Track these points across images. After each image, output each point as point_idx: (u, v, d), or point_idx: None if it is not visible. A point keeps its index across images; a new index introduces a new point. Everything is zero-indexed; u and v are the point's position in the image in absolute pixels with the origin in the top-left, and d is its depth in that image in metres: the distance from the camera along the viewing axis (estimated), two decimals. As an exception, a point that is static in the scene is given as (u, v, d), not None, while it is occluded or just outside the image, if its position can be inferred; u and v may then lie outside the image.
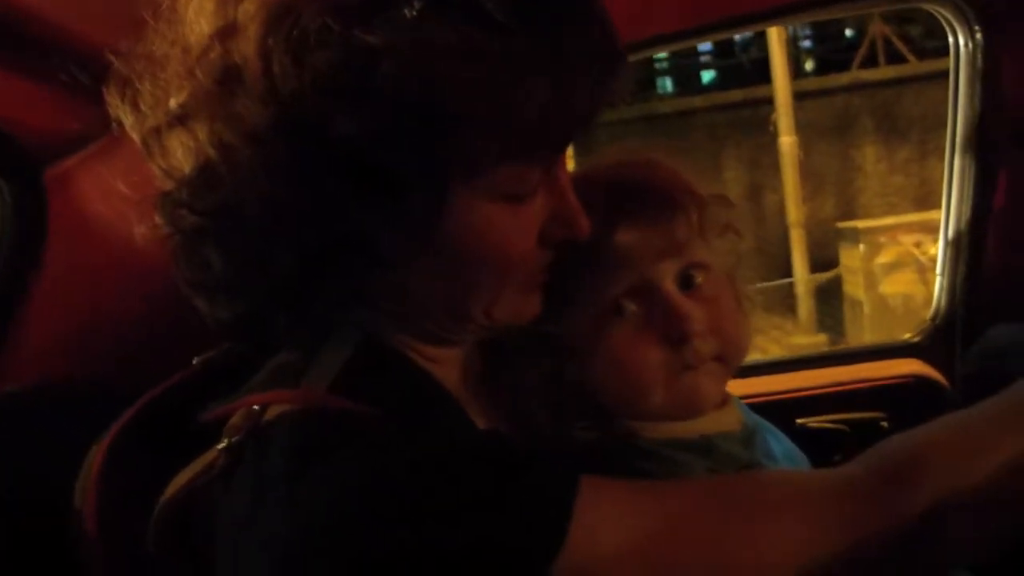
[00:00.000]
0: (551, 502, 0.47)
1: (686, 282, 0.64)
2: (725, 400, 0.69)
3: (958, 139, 1.12)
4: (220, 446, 0.53)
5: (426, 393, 0.58)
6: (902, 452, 0.56)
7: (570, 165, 0.64)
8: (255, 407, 0.54)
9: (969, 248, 1.12)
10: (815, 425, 1.12)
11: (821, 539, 0.51)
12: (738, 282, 0.69)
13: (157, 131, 0.55)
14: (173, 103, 0.53)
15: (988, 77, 1.06)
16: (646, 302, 0.62)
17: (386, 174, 0.50)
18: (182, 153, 0.53)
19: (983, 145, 1.08)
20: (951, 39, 1.11)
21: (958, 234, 1.14)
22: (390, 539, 0.44)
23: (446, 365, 0.62)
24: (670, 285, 0.63)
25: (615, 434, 0.64)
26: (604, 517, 0.48)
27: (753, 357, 1.31)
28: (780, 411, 1.13)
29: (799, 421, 1.12)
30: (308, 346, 0.58)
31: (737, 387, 1.17)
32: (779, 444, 0.72)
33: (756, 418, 0.73)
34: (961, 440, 0.57)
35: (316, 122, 0.48)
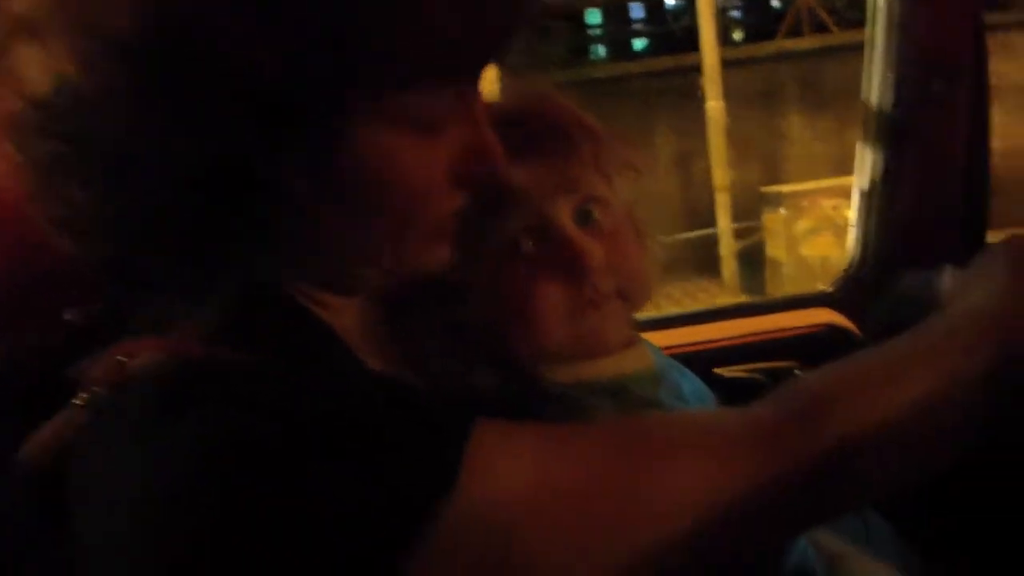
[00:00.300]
0: (441, 443, 0.43)
1: (583, 217, 0.61)
2: (634, 340, 0.68)
3: (874, 89, 1.13)
4: (78, 401, 0.48)
5: (318, 342, 0.54)
6: (809, 391, 0.55)
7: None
8: (121, 358, 0.48)
9: (882, 197, 1.14)
10: (731, 375, 1.13)
11: (730, 481, 0.49)
12: (639, 221, 0.68)
13: (1, 43, 0.48)
14: (19, 6, 0.46)
15: (904, 27, 1.06)
16: (543, 239, 0.60)
17: (275, 95, 0.44)
18: (35, 69, 0.46)
19: (898, 93, 1.09)
20: (869, -13, 1.11)
21: (872, 184, 1.16)
22: (255, 493, 0.40)
23: (344, 313, 0.58)
24: (567, 220, 0.60)
25: (520, 379, 0.61)
26: (501, 459, 0.45)
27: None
28: (698, 362, 1.13)
29: (716, 371, 1.13)
30: (189, 293, 0.52)
31: (655, 339, 1.17)
32: (689, 383, 0.71)
33: (665, 358, 0.72)
34: (868, 379, 0.56)
35: (191, 32, 0.42)
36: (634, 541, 0.47)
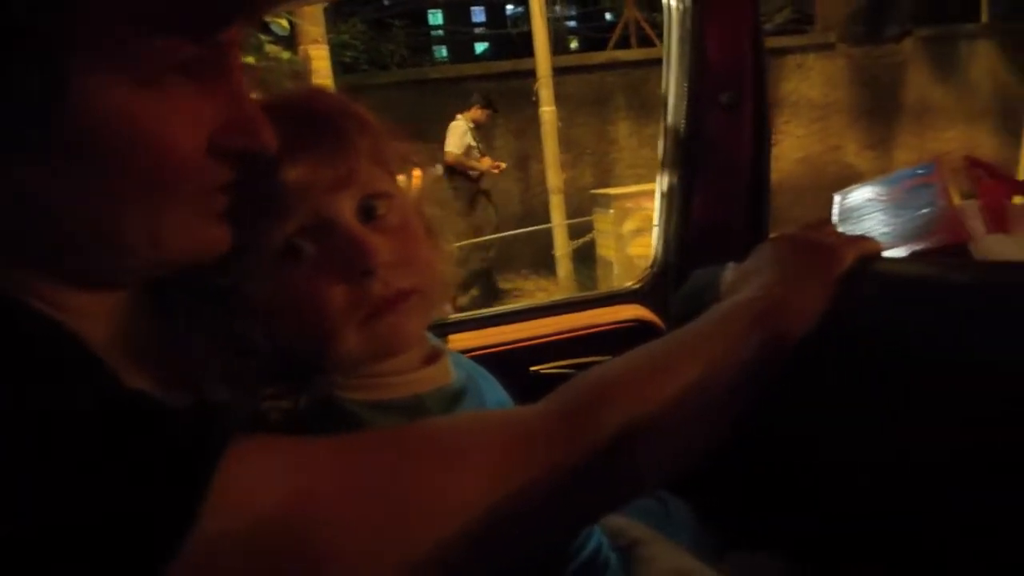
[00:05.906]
0: (185, 461, 0.39)
1: (367, 213, 0.59)
2: (438, 355, 0.66)
3: (670, 97, 1.20)
4: None
5: (52, 354, 0.46)
6: (587, 385, 0.57)
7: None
8: None
9: (680, 200, 1.22)
10: (547, 372, 1.15)
11: (509, 476, 0.49)
12: (429, 216, 0.66)
13: None
14: None
15: (696, 38, 1.14)
16: (324, 240, 0.56)
17: None
18: None
19: (691, 103, 1.17)
20: (663, 0, 1.18)
21: (671, 187, 1.23)
22: None
23: (95, 319, 0.51)
24: (348, 218, 0.57)
25: (312, 398, 0.58)
26: (259, 475, 0.42)
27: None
28: (515, 359, 1.15)
29: (533, 368, 1.15)
30: None
31: (474, 338, 1.18)
32: (493, 393, 0.71)
33: (470, 367, 0.71)
34: (645, 369, 0.59)
35: None
36: (409, 542, 0.45)
